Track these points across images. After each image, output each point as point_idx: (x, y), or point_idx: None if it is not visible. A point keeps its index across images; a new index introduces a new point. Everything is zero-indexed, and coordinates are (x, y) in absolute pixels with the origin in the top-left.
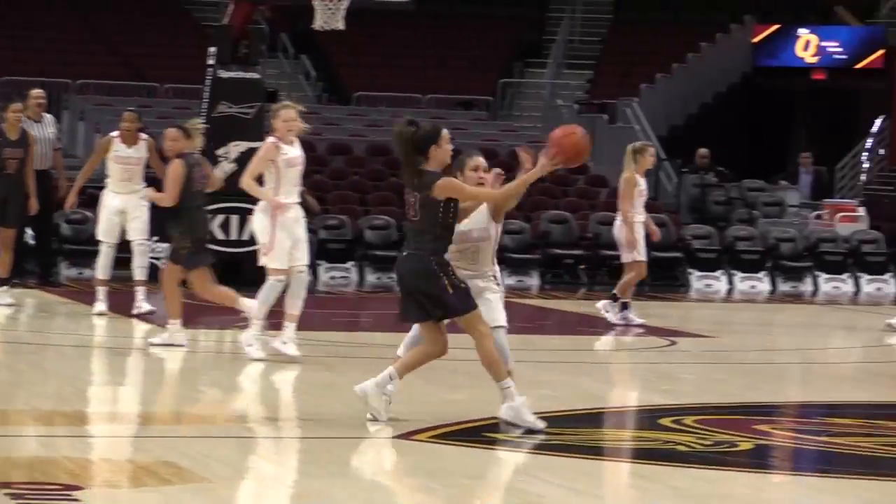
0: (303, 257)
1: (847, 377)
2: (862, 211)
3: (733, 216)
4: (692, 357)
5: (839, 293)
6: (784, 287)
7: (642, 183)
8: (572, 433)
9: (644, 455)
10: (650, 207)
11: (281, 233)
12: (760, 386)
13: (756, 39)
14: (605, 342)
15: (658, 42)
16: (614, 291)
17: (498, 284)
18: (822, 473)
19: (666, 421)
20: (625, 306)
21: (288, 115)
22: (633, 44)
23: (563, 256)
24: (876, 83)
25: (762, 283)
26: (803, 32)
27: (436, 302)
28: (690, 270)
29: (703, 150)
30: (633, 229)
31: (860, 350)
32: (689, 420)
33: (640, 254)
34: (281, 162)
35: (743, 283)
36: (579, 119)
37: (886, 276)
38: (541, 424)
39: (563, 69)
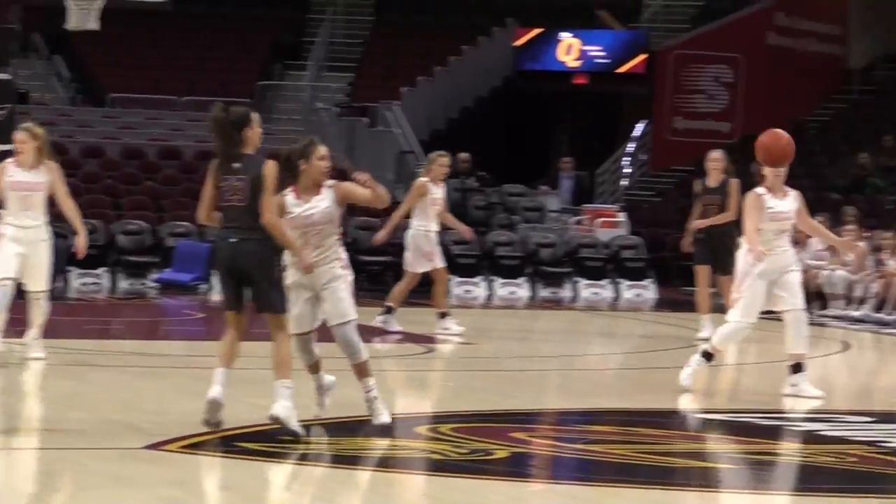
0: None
1: (605, 384)
2: (622, 216)
3: (494, 221)
4: (450, 364)
5: (599, 299)
6: (544, 293)
7: (436, 192)
8: (330, 442)
9: (400, 464)
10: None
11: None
12: (518, 393)
13: (518, 43)
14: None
15: (420, 45)
16: (388, 303)
17: (344, 268)
18: (578, 481)
19: (422, 429)
20: (389, 310)
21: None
22: (395, 46)
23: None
24: (638, 88)
25: (522, 289)
26: (565, 36)
27: (261, 292)
28: (450, 276)
29: (464, 155)
30: (427, 239)
31: (619, 357)
32: (445, 428)
33: (438, 262)
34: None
35: (503, 288)
36: (339, 122)
37: (646, 281)
38: (302, 432)
39: (323, 71)
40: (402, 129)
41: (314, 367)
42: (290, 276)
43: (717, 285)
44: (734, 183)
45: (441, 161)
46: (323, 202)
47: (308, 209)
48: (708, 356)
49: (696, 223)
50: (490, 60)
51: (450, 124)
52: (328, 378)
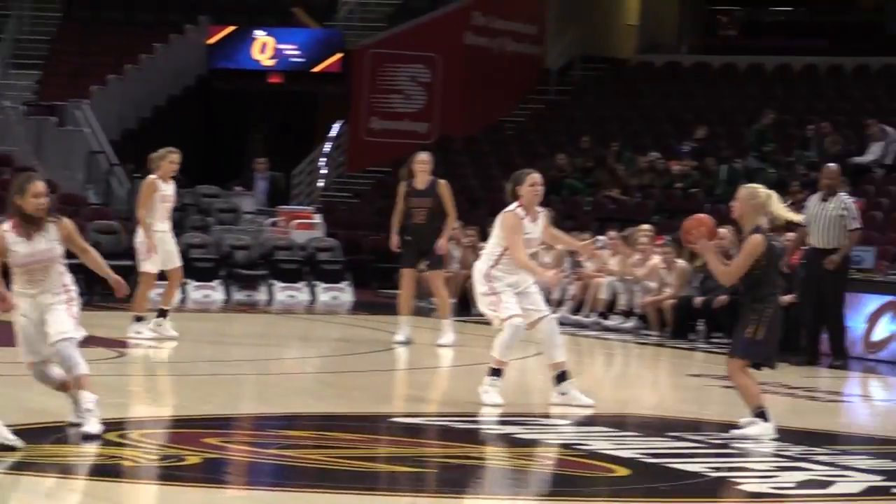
0: None
1: (301, 388)
2: (318, 218)
3: (187, 223)
4: (141, 369)
5: (295, 302)
6: (239, 296)
7: (166, 189)
8: (19, 449)
9: (90, 471)
10: (101, 214)
11: None
12: (212, 398)
13: (211, 41)
14: None
15: (110, 42)
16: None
17: (69, 294)
18: (273, 487)
19: (112, 435)
20: (139, 319)
21: None
22: (85, 43)
23: None
24: (334, 87)
25: (216, 292)
26: (259, 34)
27: None
28: None
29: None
30: (153, 237)
31: (316, 360)
32: (135, 434)
33: (146, 265)
34: None
35: (196, 291)
36: (27, 121)
37: (342, 284)
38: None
39: (9, 69)
40: (92, 129)
41: (64, 387)
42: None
43: (424, 282)
44: (444, 184)
45: (171, 157)
46: (45, 241)
47: (31, 250)
48: (496, 372)
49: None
50: (183, 59)
51: (142, 123)
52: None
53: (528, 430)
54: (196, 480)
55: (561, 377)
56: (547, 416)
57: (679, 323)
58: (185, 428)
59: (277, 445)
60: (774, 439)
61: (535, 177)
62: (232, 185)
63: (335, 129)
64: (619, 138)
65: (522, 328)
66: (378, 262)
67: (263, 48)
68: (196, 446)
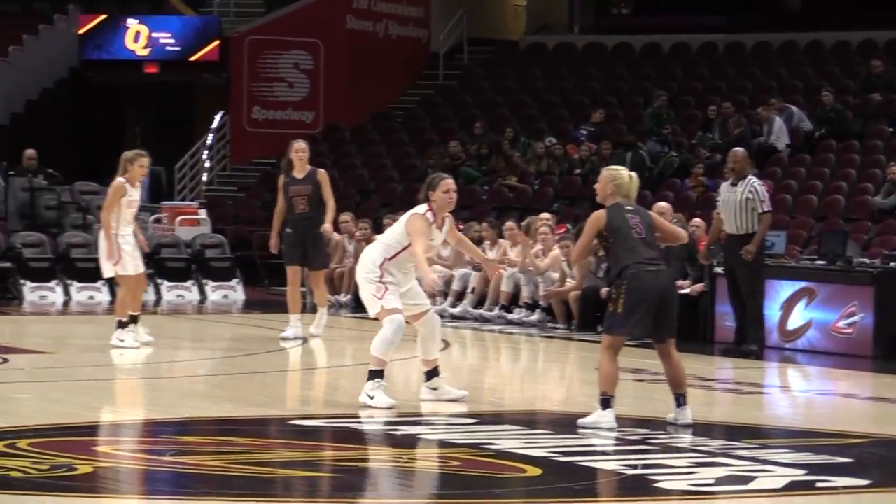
0: None
1: (195, 392)
2: (203, 213)
3: (67, 221)
4: (27, 375)
5: (184, 302)
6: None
7: (134, 193)
8: None
9: None
10: None
11: None
12: (102, 405)
13: (82, 31)
14: None
15: None
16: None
17: None
18: (170, 496)
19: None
20: (122, 325)
21: None
22: None
23: None
24: (213, 77)
25: (101, 294)
26: (132, 23)
27: None
28: (23, 281)
29: (30, 151)
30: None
31: (208, 362)
32: (23, 443)
33: (127, 267)
34: None
35: (80, 293)
36: None
37: (233, 282)
38: None
39: None
40: None
41: None
42: None
43: (308, 281)
44: (323, 173)
45: (141, 161)
46: None
47: None
48: (378, 374)
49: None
50: (53, 50)
51: (14, 119)
52: None
53: (435, 430)
54: (89, 490)
55: (432, 373)
56: (453, 415)
57: (585, 315)
58: (75, 436)
59: (173, 452)
60: (613, 429)
61: (450, 183)
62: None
63: (216, 121)
64: (513, 123)
65: (403, 325)
66: (268, 259)
67: (137, 37)
68: (87, 455)
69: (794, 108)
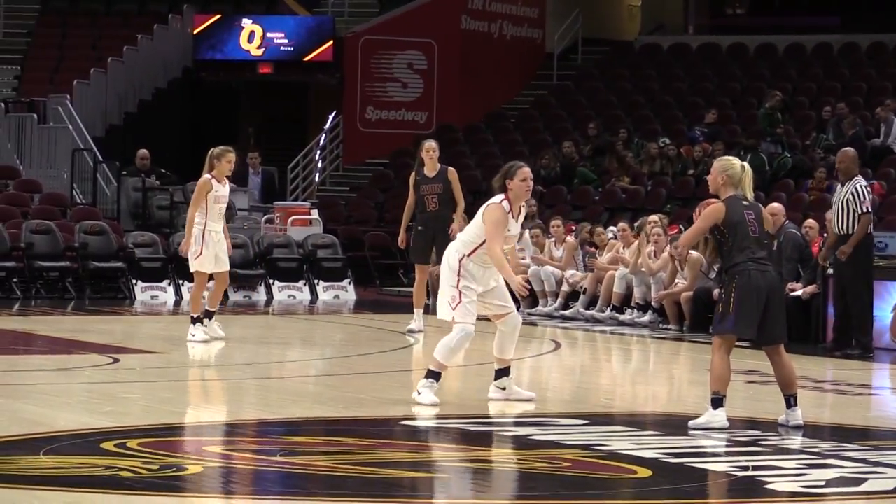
0: None
1: (305, 392)
2: (315, 214)
3: (179, 221)
4: (137, 375)
5: (295, 302)
6: (236, 297)
7: (221, 189)
8: (8, 461)
9: (86, 483)
10: (89, 214)
11: None
12: (212, 404)
13: (197, 31)
14: (41, 362)
15: (91, 34)
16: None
17: None
18: (280, 496)
19: (108, 445)
20: (198, 320)
21: None
22: (64, 36)
23: None
24: (326, 76)
25: None
26: (247, 23)
27: None
28: (134, 281)
29: (143, 151)
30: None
31: (319, 363)
32: (133, 443)
33: (205, 264)
34: None
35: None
36: (7, 119)
37: (344, 282)
38: None
39: None
40: (76, 125)
41: None
42: None
43: (432, 279)
44: (453, 171)
45: (229, 157)
46: None
47: None
48: (435, 375)
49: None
50: (168, 50)
51: (127, 119)
52: None
53: (545, 430)
54: (198, 491)
55: (503, 372)
56: (562, 416)
57: (697, 316)
58: (185, 436)
59: (282, 452)
60: (724, 429)
61: (527, 171)
62: None
63: (330, 121)
64: (626, 124)
65: (471, 336)
66: (380, 259)
67: (251, 37)
68: (197, 455)
69: None
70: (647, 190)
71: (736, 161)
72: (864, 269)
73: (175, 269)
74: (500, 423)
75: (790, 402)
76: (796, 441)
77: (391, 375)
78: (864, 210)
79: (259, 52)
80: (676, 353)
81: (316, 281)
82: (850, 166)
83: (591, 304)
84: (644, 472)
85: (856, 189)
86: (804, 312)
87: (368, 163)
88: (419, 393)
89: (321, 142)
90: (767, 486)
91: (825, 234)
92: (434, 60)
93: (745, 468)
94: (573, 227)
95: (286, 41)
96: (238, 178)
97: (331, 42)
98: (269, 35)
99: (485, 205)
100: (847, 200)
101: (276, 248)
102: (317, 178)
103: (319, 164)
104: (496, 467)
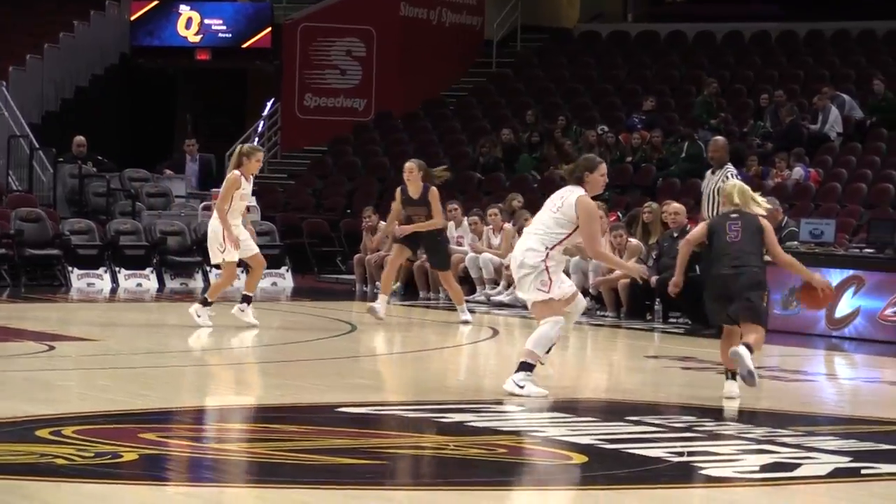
0: None
1: (243, 379)
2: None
3: (115, 209)
4: (73, 363)
5: (232, 289)
6: (173, 284)
7: (247, 186)
8: None
9: (20, 470)
10: (25, 201)
11: None
12: (148, 392)
13: (134, 17)
14: None
15: (28, 21)
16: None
17: None
18: (215, 483)
19: (44, 433)
20: (206, 303)
21: None
22: (0, 23)
23: None
24: (265, 63)
25: (149, 281)
26: (184, 9)
27: None
28: (70, 268)
29: (79, 138)
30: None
31: (257, 349)
32: (68, 431)
33: (234, 255)
34: None
35: (128, 280)
36: None
37: (281, 269)
38: None
39: None
40: (11, 112)
41: None
42: None
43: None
44: (434, 192)
45: (258, 156)
46: None
47: None
48: (529, 367)
49: (403, 228)
50: (104, 36)
51: (64, 105)
52: None
53: (482, 417)
54: (135, 478)
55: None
56: (499, 402)
57: (634, 303)
58: (122, 423)
59: (218, 439)
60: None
61: (604, 166)
62: (161, 169)
63: (268, 108)
64: (565, 111)
65: (563, 323)
66: (318, 246)
67: (189, 23)
68: (133, 442)
69: (845, 96)
70: None
71: (730, 183)
72: None
73: (112, 256)
74: (437, 409)
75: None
76: (731, 427)
77: (329, 362)
78: None
79: (197, 39)
80: (614, 340)
81: (207, 267)
82: (723, 155)
83: None
84: (580, 458)
85: (727, 177)
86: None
87: (307, 150)
88: (521, 387)
89: (259, 129)
90: (702, 472)
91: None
92: (373, 47)
93: (681, 454)
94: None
95: (224, 28)
96: (175, 165)
97: (269, 29)
98: (206, 21)
99: (569, 197)
100: (719, 189)
101: None
102: None
103: None
104: (433, 454)
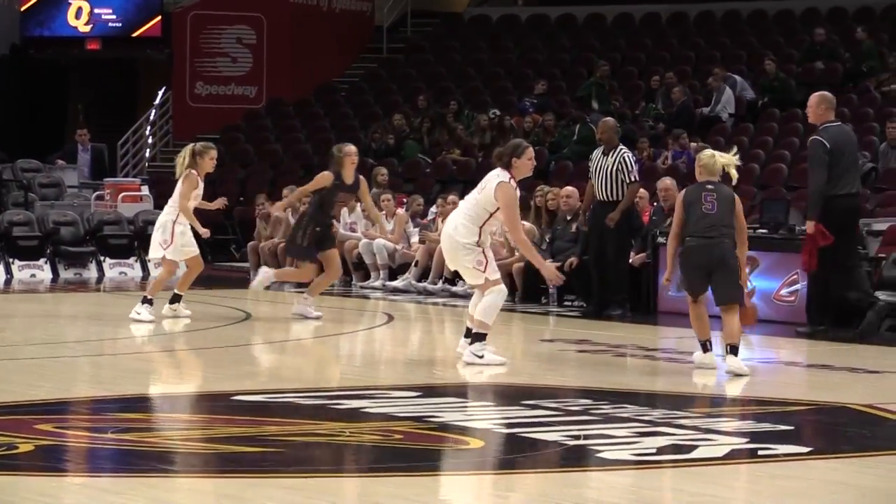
0: None
1: (138, 369)
2: (146, 190)
3: (8, 199)
4: None
5: (126, 279)
6: (67, 274)
7: (200, 185)
8: None
9: None
10: None
11: None
12: (43, 382)
13: (24, 7)
14: None
15: None
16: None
17: None
18: (113, 473)
19: None
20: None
21: None
22: None
23: None
24: (155, 52)
25: (43, 272)
26: None
27: None
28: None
29: None
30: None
31: (152, 339)
32: None
33: (176, 254)
34: None
35: (22, 271)
36: None
37: None
38: None
39: None
40: None
41: None
42: None
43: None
44: (364, 182)
45: (211, 154)
46: None
47: None
48: (482, 336)
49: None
50: None
51: None
52: None
53: (377, 403)
54: (31, 469)
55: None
56: (395, 388)
57: (528, 287)
58: (17, 414)
59: (115, 429)
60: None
61: (532, 151)
62: (53, 159)
63: (159, 97)
64: (457, 96)
65: (506, 293)
66: (211, 234)
67: (79, 13)
68: (29, 433)
69: (737, 77)
70: (477, 162)
71: (705, 153)
72: (625, 235)
73: (5, 247)
74: (332, 395)
75: (728, 349)
76: (628, 410)
77: (224, 350)
78: (633, 179)
79: (87, 29)
80: (509, 324)
81: (147, 257)
82: (612, 136)
83: (423, 276)
84: (476, 443)
85: (624, 159)
86: (635, 280)
87: (199, 138)
88: (480, 356)
89: (151, 118)
90: (599, 455)
91: (655, 203)
92: (263, 35)
93: (577, 437)
94: (404, 200)
95: (114, 17)
96: (67, 155)
97: (159, 17)
98: (96, 11)
99: (492, 181)
100: (617, 170)
101: (106, 226)
102: (147, 154)
103: (150, 140)
104: (329, 440)
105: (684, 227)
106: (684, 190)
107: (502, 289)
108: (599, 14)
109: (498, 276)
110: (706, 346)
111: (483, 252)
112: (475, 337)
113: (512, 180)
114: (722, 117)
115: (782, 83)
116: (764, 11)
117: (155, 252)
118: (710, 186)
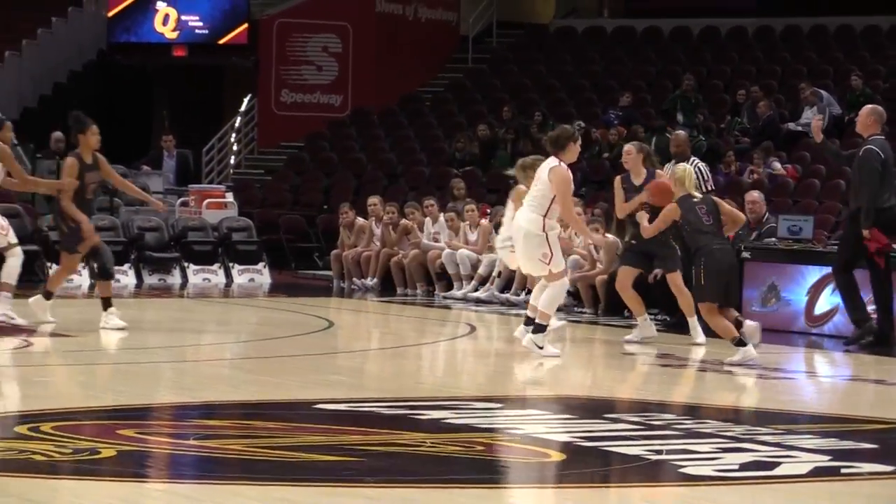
0: None
1: (219, 376)
2: (230, 197)
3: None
4: (51, 358)
5: (210, 285)
6: (151, 280)
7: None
8: None
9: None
10: (3, 197)
11: None
12: (126, 388)
13: (111, 14)
14: None
15: (5, 17)
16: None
17: None
18: (194, 479)
19: (22, 429)
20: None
21: None
22: None
23: None
24: (241, 59)
25: (127, 277)
26: (161, 6)
27: None
28: (49, 264)
29: (57, 134)
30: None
31: (234, 346)
32: (46, 427)
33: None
34: None
35: None
36: None
37: (259, 265)
38: None
39: None
40: None
41: None
42: None
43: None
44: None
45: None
46: None
47: None
48: (543, 328)
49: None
50: (82, 33)
51: (42, 102)
52: None
53: (458, 414)
54: (112, 474)
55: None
56: (477, 399)
57: (611, 299)
58: (99, 419)
59: (196, 436)
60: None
61: (578, 135)
62: (139, 165)
63: (245, 104)
64: (541, 107)
65: (567, 285)
66: (295, 242)
67: (166, 20)
68: (111, 438)
69: (823, 92)
70: None
71: (680, 166)
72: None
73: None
74: (414, 406)
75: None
76: (710, 425)
77: (306, 359)
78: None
79: (174, 35)
80: (591, 337)
81: (231, 264)
82: (685, 149)
83: (506, 287)
84: (558, 456)
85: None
86: None
87: (283, 146)
88: (540, 347)
89: (236, 125)
90: (681, 470)
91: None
92: (349, 43)
93: (659, 452)
94: (488, 211)
95: (201, 24)
96: (153, 161)
97: (245, 25)
98: (183, 18)
99: (544, 168)
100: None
101: (190, 232)
102: (232, 161)
103: (234, 147)
104: (410, 451)
105: (690, 242)
106: (676, 202)
107: (565, 282)
108: (685, 27)
109: (562, 268)
110: (741, 342)
111: (548, 243)
112: (536, 327)
113: (562, 164)
114: (807, 132)
115: (868, 99)
116: (851, 26)
117: None
118: (695, 199)
